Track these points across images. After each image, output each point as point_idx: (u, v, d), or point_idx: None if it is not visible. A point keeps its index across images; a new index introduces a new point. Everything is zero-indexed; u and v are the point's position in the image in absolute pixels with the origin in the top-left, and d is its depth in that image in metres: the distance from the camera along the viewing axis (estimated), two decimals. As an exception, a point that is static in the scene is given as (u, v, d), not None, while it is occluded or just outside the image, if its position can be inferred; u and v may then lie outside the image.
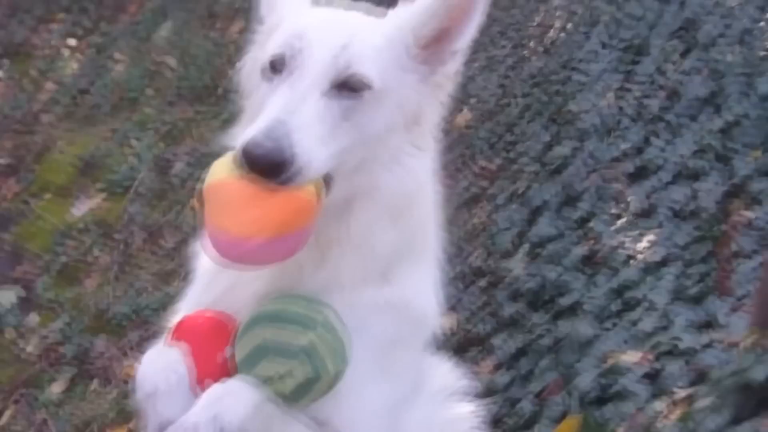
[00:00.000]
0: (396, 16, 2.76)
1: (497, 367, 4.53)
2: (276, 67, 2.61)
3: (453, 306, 4.87)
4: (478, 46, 6.65)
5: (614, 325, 4.42)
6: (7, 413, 4.46)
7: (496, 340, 4.62)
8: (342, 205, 2.67)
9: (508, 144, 5.81)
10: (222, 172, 2.48)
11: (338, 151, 2.53)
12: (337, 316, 2.69)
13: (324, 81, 2.54)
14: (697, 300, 4.44)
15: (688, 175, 5.18)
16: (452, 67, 2.78)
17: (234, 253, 2.50)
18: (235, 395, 2.57)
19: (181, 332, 2.73)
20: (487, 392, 4.23)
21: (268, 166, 2.39)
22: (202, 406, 2.56)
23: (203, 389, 2.61)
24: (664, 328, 4.30)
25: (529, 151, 5.60)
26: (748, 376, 3.62)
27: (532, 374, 4.37)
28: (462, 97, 6.19)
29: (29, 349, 4.70)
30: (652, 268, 4.66)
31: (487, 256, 5.11)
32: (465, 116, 6.04)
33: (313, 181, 2.47)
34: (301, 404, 2.67)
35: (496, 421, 4.18)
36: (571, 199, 5.17)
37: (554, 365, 4.33)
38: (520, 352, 4.52)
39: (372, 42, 2.65)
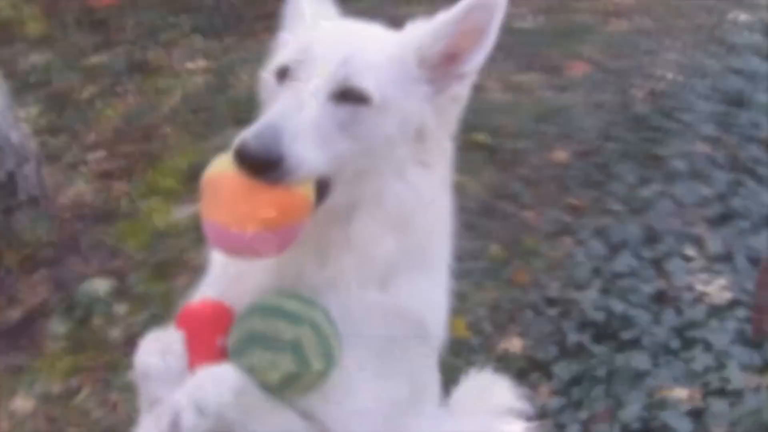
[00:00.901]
0: (405, 33, 2.89)
1: (554, 392, 4.63)
2: (281, 76, 2.79)
3: (520, 332, 5.01)
4: (577, 87, 6.81)
5: (669, 362, 4.51)
6: (84, 392, 4.74)
7: (557, 368, 4.72)
8: (344, 210, 2.80)
9: (598, 183, 5.92)
10: (220, 166, 2.67)
11: (334, 157, 2.66)
12: (328, 317, 2.82)
13: (323, 91, 2.69)
14: (756, 345, 4.52)
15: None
16: (459, 89, 2.87)
17: (222, 244, 2.69)
18: (216, 381, 2.70)
19: (180, 319, 2.93)
20: (540, 415, 4.37)
21: (255, 165, 2.56)
22: (184, 390, 2.72)
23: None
24: (717, 369, 4.39)
25: (617, 191, 5.71)
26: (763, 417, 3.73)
27: (583, 402, 4.47)
28: (559, 136, 6.34)
29: (114, 336, 4.97)
30: (718, 311, 4.74)
31: (561, 288, 5.23)
32: (560, 154, 6.18)
33: (305, 182, 2.62)
34: (285, 396, 2.80)
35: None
36: (650, 239, 5.27)
37: (606, 395, 4.43)
38: (576, 380, 4.62)
39: (374, 57, 2.77)
